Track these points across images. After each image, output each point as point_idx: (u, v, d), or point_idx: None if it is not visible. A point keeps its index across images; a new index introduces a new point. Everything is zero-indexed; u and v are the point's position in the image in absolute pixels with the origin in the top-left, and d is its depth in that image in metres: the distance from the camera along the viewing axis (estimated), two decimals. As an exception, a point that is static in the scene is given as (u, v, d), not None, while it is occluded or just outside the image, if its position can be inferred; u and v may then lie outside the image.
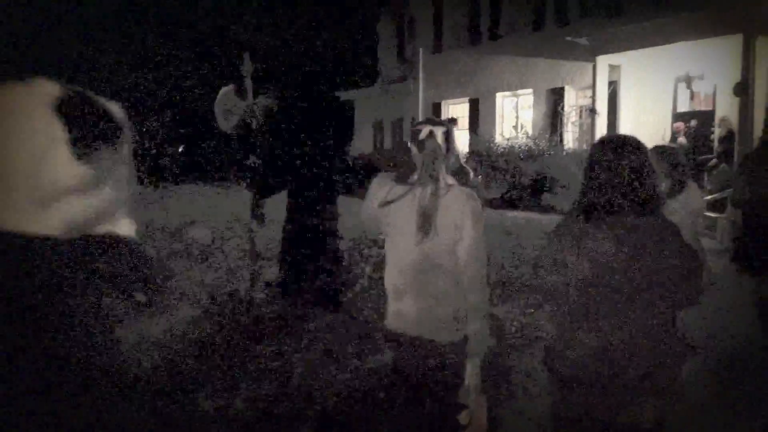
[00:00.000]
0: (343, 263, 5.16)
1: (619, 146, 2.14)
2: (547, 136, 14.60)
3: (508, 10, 16.53)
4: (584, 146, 13.70)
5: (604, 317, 2.03)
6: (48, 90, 1.02)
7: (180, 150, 26.64)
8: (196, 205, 12.82)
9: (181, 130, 23.77)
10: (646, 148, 2.20)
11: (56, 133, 1.00)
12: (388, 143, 21.09)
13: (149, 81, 22.90)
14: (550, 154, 13.72)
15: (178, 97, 23.01)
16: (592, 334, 2.04)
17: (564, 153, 13.63)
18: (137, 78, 22.61)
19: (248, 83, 4.82)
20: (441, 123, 2.53)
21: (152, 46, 22.45)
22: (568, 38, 13.42)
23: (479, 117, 17.40)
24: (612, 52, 12.76)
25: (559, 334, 2.17)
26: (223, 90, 4.75)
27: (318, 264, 4.83)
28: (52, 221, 1.02)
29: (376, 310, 5.04)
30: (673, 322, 2.15)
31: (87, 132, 1.04)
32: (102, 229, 1.11)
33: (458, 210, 2.28)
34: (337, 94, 22.29)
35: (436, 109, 18.80)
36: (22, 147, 0.98)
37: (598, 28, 12.84)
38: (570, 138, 14.54)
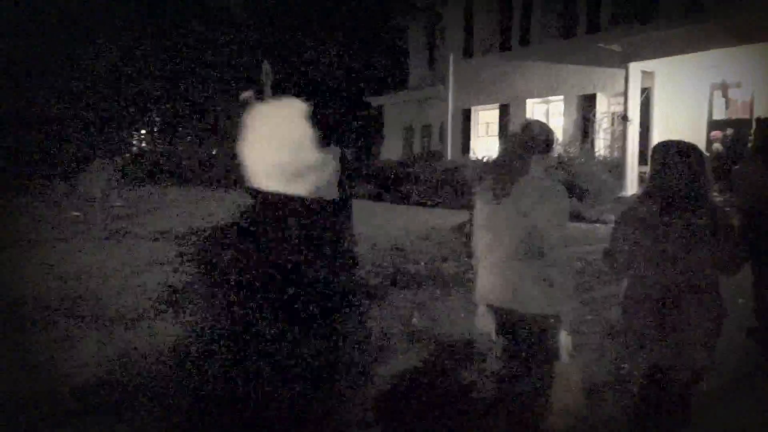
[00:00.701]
0: (353, 270, 5.12)
1: (683, 149, 2.77)
2: (578, 143, 14.37)
3: (540, 16, 16.35)
4: (615, 153, 13.44)
5: (671, 283, 2.69)
6: (297, 105, 1.62)
7: (213, 153, 27.03)
8: (220, 208, 12.96)
9: (211, 135, 24.13)
10: (702, 152, 2.82)
11: (306, 132, 1.60)
12: (417, 148, 21.02)
13: (173, 89, 23.31)
14: (580, 161, 13.48)
15: (200, 102, 23.38)
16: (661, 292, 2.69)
17: (595, 160, 13.39)
18: (164, 87, 23.04)
19: (267, 90, 4.83)
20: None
21: (176, 56, 22.85)
22: (600, 44, 13.20)
23: (510, 123, 17.22)
24: (645, 59, 12.50)
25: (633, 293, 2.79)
26: (241, 96, 4.78)
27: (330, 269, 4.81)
28: (303, 186, 1.62)
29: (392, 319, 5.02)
30: (717, 288, 2.76)
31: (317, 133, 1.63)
32: (326, 194, 1.71)
33: (546, 200, 2.62)
34: (366, 99, 22.40)
35: (466, 114, 18.69)
36: (286, 140, 1.59)
37: (631, 35, 12.60)
38: (601, 145, 14.28)
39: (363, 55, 23.32)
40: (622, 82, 12.96)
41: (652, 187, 2.82)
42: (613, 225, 2.99)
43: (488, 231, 2.78)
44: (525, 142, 2.75)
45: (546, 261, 2.60)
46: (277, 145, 1.58)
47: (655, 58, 12.35)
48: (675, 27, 11.61)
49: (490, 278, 2.76)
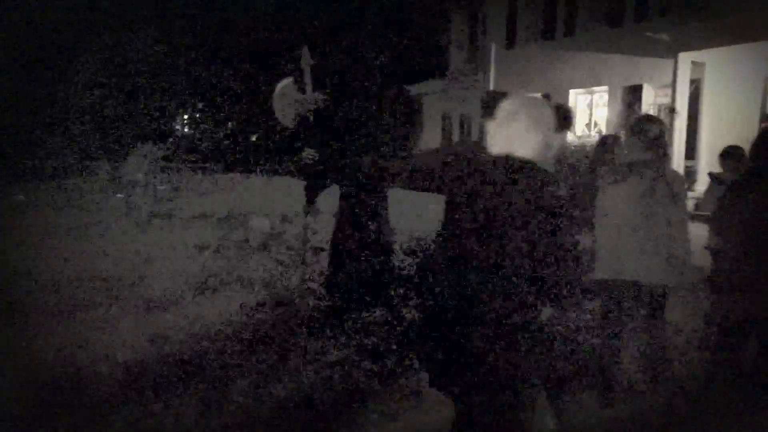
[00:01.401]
0: (389, 260, 5.07)
1: None
2: (622, 135, 14.00)
3: (585, 4, 15.94)
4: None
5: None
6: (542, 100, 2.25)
7: (253, 139, 27.29)
8: (259, 194, 13.08)
9: (248, 122, 24.33)
10: None
11: (548, 121, 2.21)
12: (455, 138, 20.83)
13: (215, 73, 23.53)
14: (625, 153, 13.14)
15: (243, 89, 23.55)
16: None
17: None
18: (205, 71, 23.28)
19: (307, 77, 4.80)
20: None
21: (217, 40, 23.04)
22: (648, 34, 12.81)
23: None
24: (695, 49, 12.08)
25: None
26: (282, 83, 4.76)
27: (366, 259, 4.77)
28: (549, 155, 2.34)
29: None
30: None
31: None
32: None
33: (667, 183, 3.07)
34: (406, 87, 22.28)
35: (506, 105, 18.41)
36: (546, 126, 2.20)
37: (680, 24, 12.18)
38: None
39: (403, 42, 23.17)
40: (670, 73, 12.56)
41: (752, 169, 3.12)
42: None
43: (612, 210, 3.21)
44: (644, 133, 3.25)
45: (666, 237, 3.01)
46: (542, 130, 2.15)
47: (706, 48, 11.92)
48: (728, 16, 11.18)
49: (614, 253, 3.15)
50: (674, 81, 12.29)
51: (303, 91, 4.88)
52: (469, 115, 20.50)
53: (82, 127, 19.53)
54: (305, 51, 4.77)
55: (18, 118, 17.74)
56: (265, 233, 8.03)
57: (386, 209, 5.00)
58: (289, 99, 4.86)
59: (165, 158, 13.84)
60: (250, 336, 4.36)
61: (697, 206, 7.15)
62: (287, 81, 4.82)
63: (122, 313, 4.89)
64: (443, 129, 21.60)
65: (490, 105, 2.36)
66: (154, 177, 10.51)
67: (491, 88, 18.60)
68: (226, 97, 24.18)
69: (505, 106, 2.24)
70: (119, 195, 11.04)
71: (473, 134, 20.10)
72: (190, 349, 4.09)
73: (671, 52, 12.31)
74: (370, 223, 4.91)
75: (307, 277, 5.38)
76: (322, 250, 6.29)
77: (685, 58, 12.21)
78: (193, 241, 7.76)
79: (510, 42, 18.37)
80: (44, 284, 5.65)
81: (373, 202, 4.85)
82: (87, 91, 19.55)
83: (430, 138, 21.47)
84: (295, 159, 4.99)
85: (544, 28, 17.34)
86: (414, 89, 22.31)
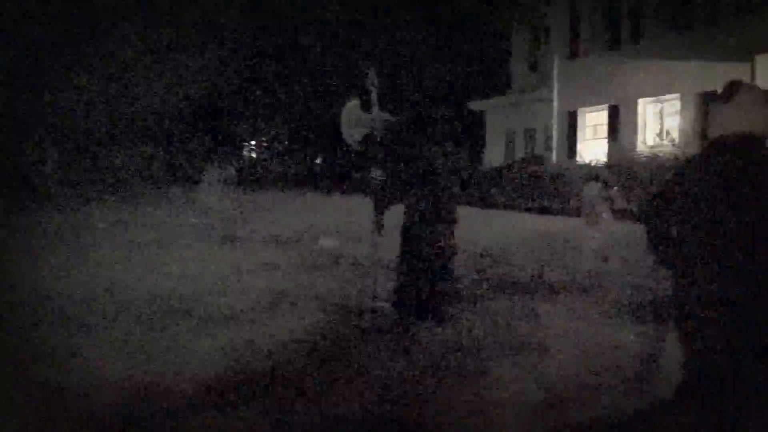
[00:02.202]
0: (451, 278, 5.08)
1: None
2: (696, 144, 13.46)
3: (650, 9, 15.51)
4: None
5: None
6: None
7: (318, 161, 27.85)
8: (328, 213, 13.29)
9: (315, 141, 24.83)
10: None
11: None
12: (519, 153, 20.58)
13: (285, 94, 24.15)
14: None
15: (310, 109, 24.06)
16: None
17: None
18: (273, 92, 23.92)
19: (373, 97, 4.90)
20: None
21: (284, 61, 23.65)
22: (720, 37, 12.34)
23: (619, 125, 16.46)
24: (773, 51, 11.56)
25: None
26: (349, 104, 4.88)
27: (428, 277, 4.81)
28: None
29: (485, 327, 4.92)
30: None
31: None
32: None
33: None
34: (468, 104, 22.23)
35: (572, 117, 18.07)
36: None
37: (755, 25, 11.67)
38: (722, 146, 13.29)
39: (465, 57, 23.18)
40: (747, 76, 12.02)
41: None
42: None
43: None
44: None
45: None
46: None
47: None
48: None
49: None
50: (751, 85, 11.75)
51: (368, 110, 4.99)
52: (532, 129, 20.23)
53: (155, 156, 20.44)
54: (371, 72, 4.88)
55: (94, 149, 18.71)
56: (334, 252, 8.16)
57: (453, 226, 5.00)
58: (355, 119, 4.98)
59: (238, 180, 14.32)
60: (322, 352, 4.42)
61: None
62: (354, 101, 4.94)
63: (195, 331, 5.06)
64: (507, 144, 21.39)
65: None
66: (225, 200, 10.87)
67: (555, 101, 18.33)
68: (297, 120, 24.79)
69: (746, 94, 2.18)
70: (194, 220, 11.49)
71: (537, 149, 19.82)
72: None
73: (748, 54, 11.80)
74: (436, 239, 4.92)
75: (376, 293, 5.45)
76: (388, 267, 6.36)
77: (764, 60, 11.68)
78: (264, 261, 7.96)
79: (573, 53, 18.07)
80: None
81: (440, 218, 4.87)
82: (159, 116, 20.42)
83: (494, 154, 21.31)
84: (362, 178, 5.09)
85: (608, 37, 16.97)
86: (477, 105, 22.25)
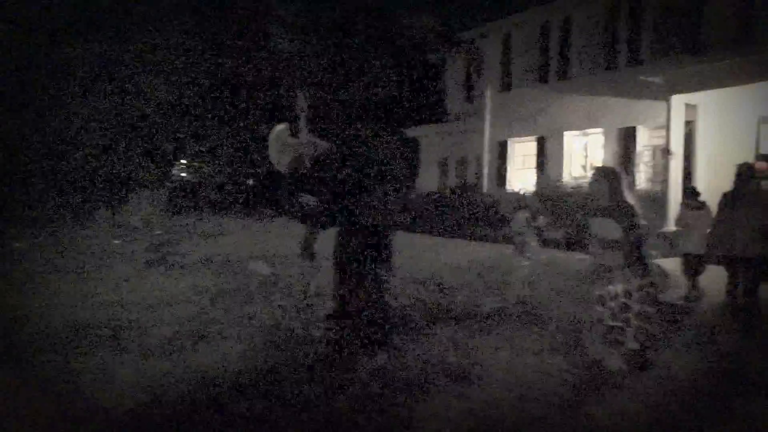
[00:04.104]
0: (385, 304, 5.01)
1: None
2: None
3: (579, 48, 16.26)
4: (656, 188, 13.11)
5: None
6: None
7: (249, 183, 27.41)
8: (259, 237, 13.06)
9: (244, 166, 24.49)
10: None
11: None
12: (452, 181, 20.95)
13: (213, 116, 23.77)
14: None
15: (238, 134, 23.79)
16: None
17: (636, 194, 13.09)
18: (202, 115, 23.50)
19: (302, 121, 4.85)
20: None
21: (214, 85, 23.36)
22: (642, 77, 13.03)
23: (547, 156, 17.05)
24: (688, 91, 12.27)
25: None
26: (276, 128, 4.80)
27: (364, 303, 4.71)
28: None
29: (424, 354, 4.89)
30: None
31: None
32: None
33: None
34: (402, 130, 22.51)
35: (502, 147, 18.59)
36: None
37: (674, 67, 12.41)
38: (642, 179, 13.97)
39: (399, 86, 23.52)
40: (664, 114, 12.73)
41: None
42: None
43: None
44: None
45: None
46: None
47: (699, 90, 12.11)
48: (721, 59, 11.39)
49: None
50: (668, 122, 12.44)
51: (296, 135, 4.92)
52: (466, 158, 20.66)
53: (80, 173, 19.56)
54: (300, 96, 4.83)
55: (14, 164, 17.79)
56: (265, 277, 7.97)
57: (389, 252, 4.96)
58: (283, 143, 4.89)
59: (165, 202, 13.86)
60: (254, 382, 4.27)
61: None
62: (282, 126, 4.86)
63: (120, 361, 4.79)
64: (440, 172, 21.74)
65: None
66: (150, 223, 10.50)
67: (487, 130, 18.83)
68: (224, 142, 24.38)
69: None
70: (116, 241, 11.02)
71: (469, 177, 20.23)
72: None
73: (665, 94, 12.49)
74: (372, 264, 4.86)
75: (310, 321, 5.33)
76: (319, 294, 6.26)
77: (678, 101, 12.39)
78: (191, 286, 7.69)
79: (506, 85, 18.66)
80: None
81: (375, 243, 4.81)
82: (84, 137, 19.64)
83: (426, 181, 21.59)
84: (292, 203, 5.00)
85: (539, 72, 17.65)
86: (412, 132, 22.56)
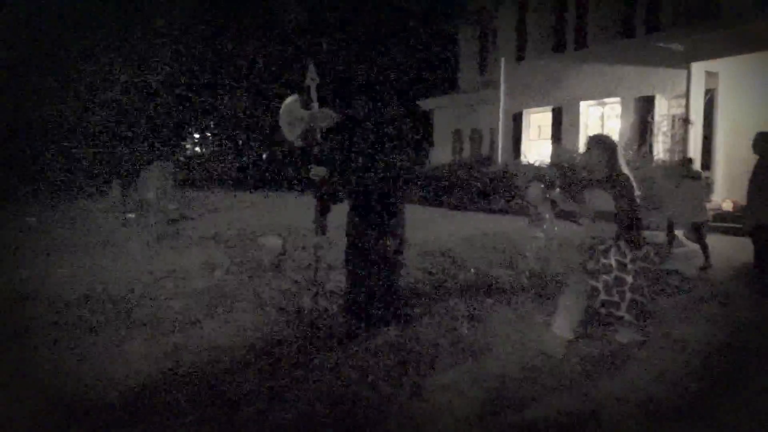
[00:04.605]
0: (399, 279, 4.94)
1: None
2: (636, 146, 13.84)
3: (596, 16, 15.87)
4: (676, 157, 12.86)
5: None
6: None
7: (263, 157, 27.40)
8: (271, 211, 13.03)
9: (257, 139, 24.41)
10: None
11: None
12: (467, 153, 20.75)
13: (222, 91, 23.66)
14: (638, 166, 12.97)
15: (251, 107, 23.65)
16: None
17: (654, 165, 12.85)
18: (212, 90, 23.40)
19: (313, 93, 4.74)
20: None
21: (225, 57, 23.20)
22: (660, 44, 12.69)
23: (562, 126, 16.78)
24: (708, 59, 11.94)
25: None
26: (288, 100, 4.70)
27: (375, 278, 4.64)
28: None
29: (440, 326, 4.85)
30: None
31: None
32: None
33: None
34: (416, 102, 22.26)
35: (517, 118, 18.32)
36: None
37: (693, 34, 12.06)
38: (660, 149, 13.70)
39: (413, 57, 23.21)
40: (683, 83, 12.43)
41: None
42: None
43: None
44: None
45: None
46: None
47: (719, 57, 11.78)
48: (741, 25, 11.04)
49: None
50: (688, 91, 12.15)
51: (308, 107, 4.82)
52: (480, 130, 20.42)
53: (93, 149, 19.64)
54: (311, 68, 4.72)
55: (27, 140, 17.88)
56: (277, 252, 7.94)
57: (402, 223, 4.87)
58: (294, 115, 4.80)
59: (177, 177, 13.86)
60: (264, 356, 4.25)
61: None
62: (292, 98, 4.77)
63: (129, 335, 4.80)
64: (454, 144, 21.53)
65: None
66: (163, 197, 10.49)
67: (501, 102, 18.55)
68: (237, 115, 24.30)
69: None
70: (130, 215, 11.03)
71: (483, 149, 20.02)
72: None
73: (684, 62, 12.18)
74: (382, 238, 4.78)
75: (319, 295, 5.30)
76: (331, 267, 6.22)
77: (699, 68, 12.08)
78: (202, 261, 7.69)
79: (520, 55, 18.32)
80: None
81: (386, 216, 4.72)
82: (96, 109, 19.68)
83: (441, 153, 21.40)
84: (303, 176, 4.92)
85: (554, 41, 17.28)
86: (425, 104, 22.31)
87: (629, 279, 4.23)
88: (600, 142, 4.50)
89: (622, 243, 4.27)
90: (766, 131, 6.43)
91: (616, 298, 4.28)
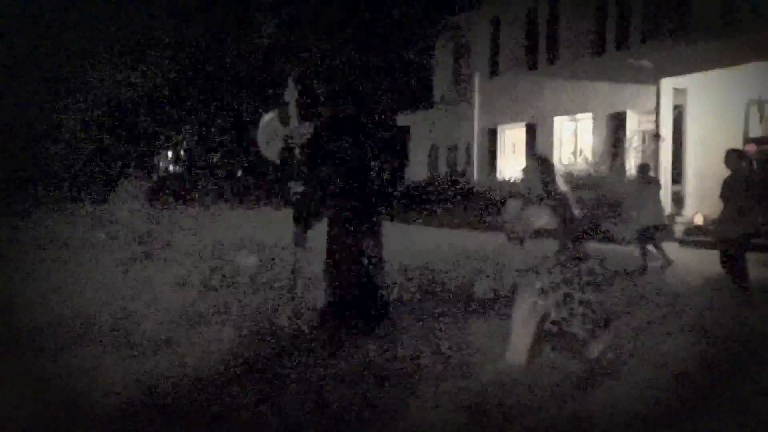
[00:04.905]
0: (380, 292, 4.93)
1: None
2: (608, 162, 14.05)
3: (567, 33, 16.16)
4: (649, 173, 13.08)
5: None
6: None
7: (238, 174, 27.20)
8: (245, 229, 12.89)
9: (232, 154, 24.25)
10: None
11: None
12: (442, 168, 20.84)
13: (200, 106, 23.48)
14: (611, 180, 13.16)
15: (229, 122, 23.52)
16: None
17: (626, 180, 13.05)
18: (190, 102, 23.20)
19: (292, 109, 4.72)
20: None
21: (200, 72, 23.07)
22: (630, 60, 12.95)
23: (536, 142, 16.99)
24: (677, 75, 12.22)
25: None
26: (266, 116, 4.68)
27: (355, 291, 4.62)
28: None
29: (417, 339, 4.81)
30: None
31: None
32: None
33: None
34: (393, 118, 22.31)
35: (492, 134, 18.50)
36: None
37: (662, 50, 12.34)
38: (632, 164, 13.93)
39: (387, 73, 23.30)
40: (653, 99, 12.68)
41: None
42: None
43: None
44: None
45: None
46: None
47: (687, 73, 12.06)
48: (708, 41, 11.33)
49: None
50: (658, 107, 12.40)
51: (286, 123, 4.80)
52: (456, 146, 20.55)
53: (64, 165, 19.27)
54: (290, 83, 4.70)
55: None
56: (252, 268, 7.84)
57: (379, 240, 4.87)
58: (272, 132, 4.77)
59: (150, 194, 13.63)
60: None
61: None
62: (270, 114, 4.74)
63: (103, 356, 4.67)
64: (429, 159, 21.63)
65: None
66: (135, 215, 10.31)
67: (476, 117, 18.72)
68: (212, 130, 24.11)
69: None
70: (101, 235, 10.82)
71: (459, 165, 20.14)
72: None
73: (654, 78, 12.44)
74: (361, 253, 4.77)
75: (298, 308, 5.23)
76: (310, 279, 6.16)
77: (668, 84, 12.35)
78: (176, 279, 7.55)
79: (494, 71, 18.54)
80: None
81: (365, 230, 4.71)
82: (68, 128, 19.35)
83: (417, 169, 21.47)
84: (282, 193, 4.88)
85: (526, 57, 17.53)
86: (400, 120, 22.38)
87: (578, 295, 4.20)
88: (538, 161, 4.65)
89: (566, 259, 4.27)
90: (736, 148, 6.82)
91: (566, 315, 4.22)
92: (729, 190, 6.57)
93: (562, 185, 4.48)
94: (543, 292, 4.28)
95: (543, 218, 4.30)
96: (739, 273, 6.57)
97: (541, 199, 4.39)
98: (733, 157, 6.64)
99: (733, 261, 6.56)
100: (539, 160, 4.70)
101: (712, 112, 12.46)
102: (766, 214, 6.40)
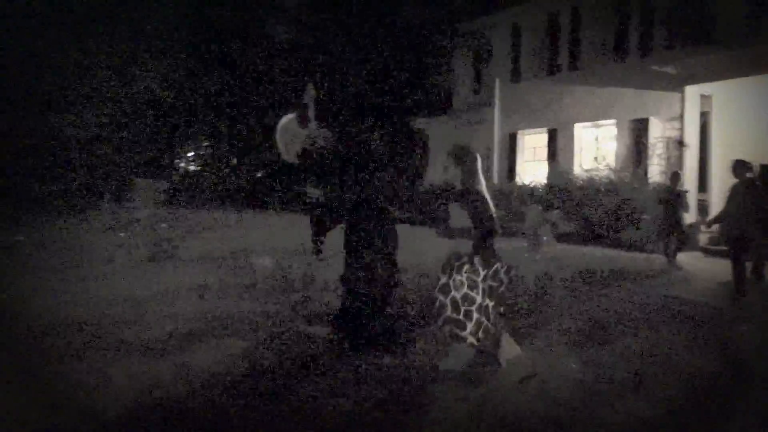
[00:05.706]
0: (393, 303, 4.84)
1: None
2: (631, 168, 13.84)
3: (589, 39, 15.97)
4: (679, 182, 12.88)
5: None
6: None
7: (258, 175, 27.31)
8: (265, 231, 12.90)
9: (253, 157, 24.33)
10: None
11: None
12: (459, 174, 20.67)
13: (221, 108, 23.60)
14: (633, 187, 12.96)
15: (247, 125, 23.63)
16: None
17: (649, 187, 12.84)
18: (210, 107, 23.34)
19: (310, 112, 4.67)
20: None
21: (220, 77, 23.21)
22: (654, 67, 12.76)
23: (557, 148, 16.80)
24: (702, 82, 12.00)
25: None
26: (284, 119, 4.63)
27: (372, 300, 4.54)
28: None
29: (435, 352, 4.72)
30: None
31: None
32: None
33: None
34: (411, 122, 22.28)
35: (512, 139, 18.34)
36: None
37: (687, 57, 12.13)
38: (655, 171, 13.71)
39: (408, 77, 23.30)
40: (677, 106, 12.48)
41: None
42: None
43: None
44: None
45: None
46: None
47: (713, 80, 11.84)
48: (735, 49, 11.11)
49: None
50: (683, 114, 12.19)
51: (305, 126, 4.75)
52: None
53: (83, 166, 19.42)
54: (309, 86, 4.65)
55: (15, 156, 17.64)
56: (269, 272, 7.80)
57: (395, 244, 4.78)
58: (291, 134, 4.73)
59: (169, 195, 13.70)
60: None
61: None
62: (289, 116, 4.69)
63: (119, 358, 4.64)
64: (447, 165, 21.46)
65: None
66: (154, 215, 10.35)
67: (496, 122, 18.58)
68: (231, 133, 24.24)
69: None
70: (121, 234, 10.87)
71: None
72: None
73: (679, 85, 12.23)
74: (378, 258, 4.69)
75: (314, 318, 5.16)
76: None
77: (693, 91, 12.13)
78: (194, 282, 7.53)
79: (515, 77, 18.39)
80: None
81: (381, 237, 4.63)
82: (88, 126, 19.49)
83: (436, 174, 21.35)
84: (299, 197, 4.83)
85: (549, 63, 17.37)
86: (420, 124, 22.32)
87: (478, 299, 4.02)
88: (461, 151, 4.31)
89: (476, 259, 4.07)
90: (742, 159, 7.29)
91: (461, 317, 4.02)
92: (735, 196, 7.11)
93: (481, 183, 4.23)
94: (446, 288, 4.10)
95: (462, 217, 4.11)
96: (736, 277, 7.08)
97: (461, 195, 4.16)
98: (738, 166, 7.23)
99: (735, 265, 7.07)
100: (462, 151, 4.30)
101: (738, 119, 12.22)
102: (757, 218, 6.89)
